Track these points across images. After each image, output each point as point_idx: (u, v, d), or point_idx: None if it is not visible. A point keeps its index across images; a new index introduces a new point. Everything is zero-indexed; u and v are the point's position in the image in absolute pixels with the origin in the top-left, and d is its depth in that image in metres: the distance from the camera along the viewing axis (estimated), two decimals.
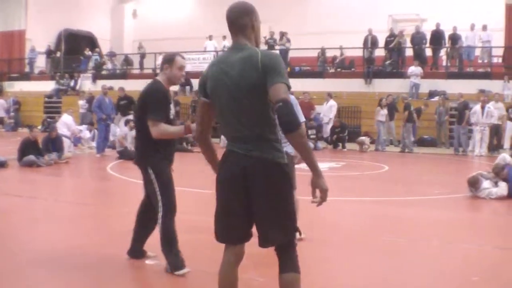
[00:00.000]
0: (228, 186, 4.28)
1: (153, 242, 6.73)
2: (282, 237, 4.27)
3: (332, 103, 26.65)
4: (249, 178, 4.18)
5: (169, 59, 6.69)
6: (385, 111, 25.10)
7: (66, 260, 7.01)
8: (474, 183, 12.47)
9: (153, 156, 6.53)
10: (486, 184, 12.42)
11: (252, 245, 4.40)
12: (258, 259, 6.00)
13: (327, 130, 26.72)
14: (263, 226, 4.24)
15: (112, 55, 39.05)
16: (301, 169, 6.00)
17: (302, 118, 7.30)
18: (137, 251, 7.00)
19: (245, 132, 4.20)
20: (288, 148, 6.64)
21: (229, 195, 4.28)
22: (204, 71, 4.50)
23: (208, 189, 12.38)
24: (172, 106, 6.64)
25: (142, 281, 6.65)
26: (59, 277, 6.45)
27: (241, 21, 4.30)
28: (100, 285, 6.28)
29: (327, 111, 26.59)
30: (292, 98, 7.01)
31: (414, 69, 28.61)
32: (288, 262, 4.27)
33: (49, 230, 8.88)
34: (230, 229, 4.34)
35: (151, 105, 6.45)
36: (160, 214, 6.53)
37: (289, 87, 4.05)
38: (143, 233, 6.96)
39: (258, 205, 4.20)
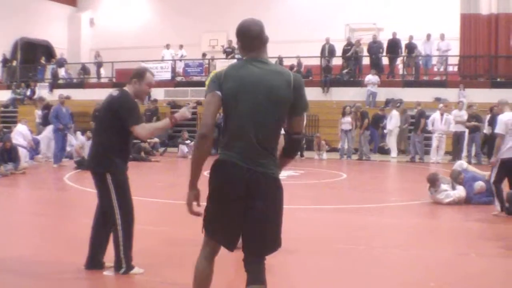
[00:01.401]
0: (228, 197, 4.30)
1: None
2: (274, 249, 4.47)
3: None
4: (251, 193, 4.24)
5: (140, 74, 6.74)
6: (348, 119, 25.09)
7: (23, 269, 6.95)
8: (433, 181, 12.61)
9: (113, 162, 6.53)
10: (444, 186, 12.60)
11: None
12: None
13: None
14: (259, 238, 4.35)
15: (62, 61, 38.58)
16: None
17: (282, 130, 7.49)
18: (96, 262, 6.91)
19: (255, 145, 4.27)
20: None
21: (227, 205, 4.31)
22: (217, 71, 4.58)
23: (167, 199, 12.38)
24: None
25: None
26: (16, 285, 6.39)
27: (262, 37, 4.41)
28: None
29: None
30: None
31: (371, 77, 28.85)
32: (259, 274, 4.40)
33: (6, 241, 8.78)
34: (225, 233, 4.40)
35: (128, 112, 6.51)
36: (118, 221, 6.54)
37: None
38: (103, 243, 6.89)
39: (257, 218, 4.27)
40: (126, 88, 6.74)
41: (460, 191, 12.50)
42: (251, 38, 4.40)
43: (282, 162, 4.50)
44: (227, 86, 4.28)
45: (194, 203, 4.41)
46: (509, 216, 11.13)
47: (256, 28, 4.40)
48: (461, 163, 13.60)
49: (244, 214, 4.29)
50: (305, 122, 24.93)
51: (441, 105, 24.54)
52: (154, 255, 7.53)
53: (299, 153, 25.67)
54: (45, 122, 23.03)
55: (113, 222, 6.61)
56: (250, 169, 4.24)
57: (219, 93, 4.29)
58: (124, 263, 6.64)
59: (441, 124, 23.50)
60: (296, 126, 4.37)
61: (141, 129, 6.51)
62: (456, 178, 12.75)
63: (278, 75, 4.30)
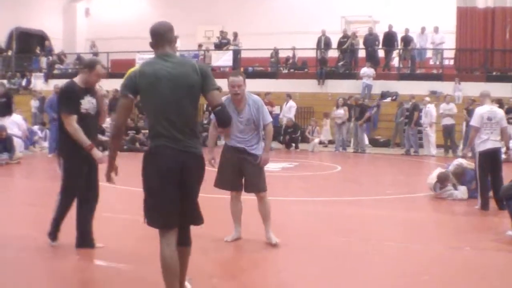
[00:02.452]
0: (167, 178, 4.92)
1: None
2: (201, 218, 5.24)
3: (292, 103, 26.64)
4: (186, 171, 4.95)
5: (90, 66, 7.41)
6: (341, 112, 25.11)
7: (18, 258, 6.97)
8: (444, 180, 12.55)
9: (64, 147, 7.37)
10: (449, 185, 12.59)
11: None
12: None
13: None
14: (193, 209, 5.14)
15: (49, 50, 38.58)
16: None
17: (269, 118, 7.71)
18: (84, 241, 7.46)
19: (181, 128, 4.95)
20: (257, 150, 7.53)
21: (168, 185, 4.93)
22: (132, 71, 5.18)
23: None
24: (87, 101, 7.31)
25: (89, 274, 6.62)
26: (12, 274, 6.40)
27: (169, 35, 5.11)
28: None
29: (287, 112, 26.49)
30: (258, 98, 7.45)
31: (366, 70, 28.81)
32: (188, 236, 5.24)
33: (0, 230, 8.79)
34: (170, 215, 4.98)
35: (62, 101, 7.34)
36: (59, 194, 7.40)
37: (220, 91, 5.16)
38: (85, 222, 7.49)
39: (190, 192, 5.05)
40: (75, 78, 7.42)
41: (462, 193, 12.40)
42: (159, 36, 5.10)
43: (224, 133, 5.67)
44: (145, 82, 4.94)
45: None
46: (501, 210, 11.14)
47: (164, 28, 5.13)
48: (460, 162, 13.30)
49: (178, 191, 4.98)
50: (294, 113, 25.09)
51: (426, 98, 24.71)
52: (146, 245, 7.53)
53: (293, 145, 25.70)
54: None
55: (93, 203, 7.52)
56: (181, 150, 4.93)
57: (131, 96, 4.98)
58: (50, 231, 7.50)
59: (424, 117, 23.73)
60: (213, 99, 5.06)
61: (68, 123, 7.16)
62: (459, 179, 12.68)
63: (186, 66, 5.04)
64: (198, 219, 5.19)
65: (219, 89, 5.12)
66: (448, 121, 23.29)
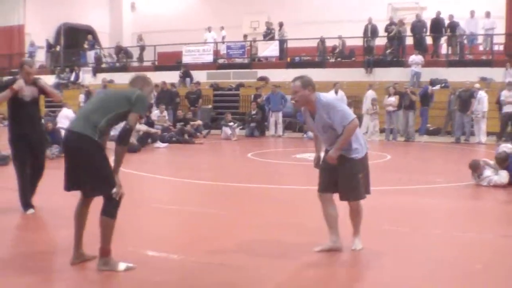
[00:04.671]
0: (64, 152, 6.43)
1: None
2: (99, 192, 6.16)
3: (342, 93, 26.60)
4: (68, 147, 6.26)
5: (20, 66, 9.31)
6: (392, 99, 24.98)
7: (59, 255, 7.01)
8: (475, 168, 12.49)
9: (10, 133, 9.42)
10: (488, 172, 12.42)
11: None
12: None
13: None
14: (84, 183, 6.19)
15: (92, 44, 39.49)
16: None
17: (348, 118, 7.00)
18: (27, 203, 9.45)
19: (88, 122, 6.12)
20: (354, 153, 7.38)
21: (65, 157, 6.39)
22: None
23: (211, 181, 12.37)
24: (24, 93, 9.11)
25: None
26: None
27: (134, 83, 6.55)
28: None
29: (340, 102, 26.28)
30: (327, 102, 7.11)
31: (414, 57, 28.53)
32: (109, 208, 6.10)
33: (47, 225, 8.85)
34: (66, 179, 6.40)
35: None
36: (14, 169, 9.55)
37: (141, 116, 6.68)
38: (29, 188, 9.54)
39: (79, 168, 6.16)
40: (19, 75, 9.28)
41: (502, 178, 12.26)
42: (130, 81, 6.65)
43: (115, 151, 6.08)
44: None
45: None
46: None
47: (133, 79, 6.62)
48: (503, 150, 12.96)
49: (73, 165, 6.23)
50: (346, 102, 24.83)
51: (476, 84, 24.44)
52: (194, 235, 7.54)
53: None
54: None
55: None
56: (70, 131, 6.22)
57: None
58: None
59: (477, 104, 23.56)
60: (129, 119, 6.11)
61: None
62: (502, 164, 12.49)
63: (122, 95, 6.30)
64: (89, 192, 6.25)
65: (140, 115, 6.30)
66: (509, 108, 22.99)
